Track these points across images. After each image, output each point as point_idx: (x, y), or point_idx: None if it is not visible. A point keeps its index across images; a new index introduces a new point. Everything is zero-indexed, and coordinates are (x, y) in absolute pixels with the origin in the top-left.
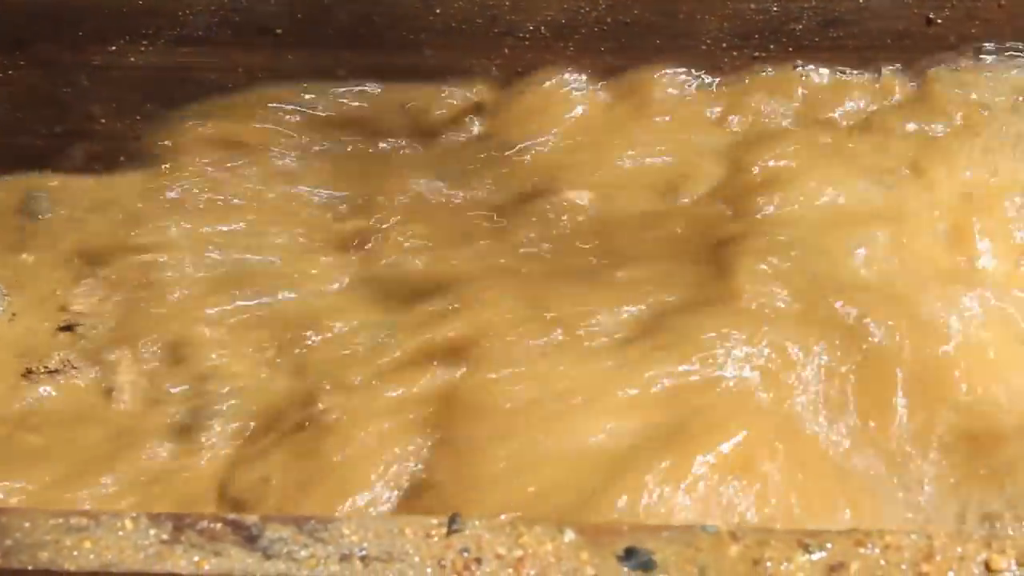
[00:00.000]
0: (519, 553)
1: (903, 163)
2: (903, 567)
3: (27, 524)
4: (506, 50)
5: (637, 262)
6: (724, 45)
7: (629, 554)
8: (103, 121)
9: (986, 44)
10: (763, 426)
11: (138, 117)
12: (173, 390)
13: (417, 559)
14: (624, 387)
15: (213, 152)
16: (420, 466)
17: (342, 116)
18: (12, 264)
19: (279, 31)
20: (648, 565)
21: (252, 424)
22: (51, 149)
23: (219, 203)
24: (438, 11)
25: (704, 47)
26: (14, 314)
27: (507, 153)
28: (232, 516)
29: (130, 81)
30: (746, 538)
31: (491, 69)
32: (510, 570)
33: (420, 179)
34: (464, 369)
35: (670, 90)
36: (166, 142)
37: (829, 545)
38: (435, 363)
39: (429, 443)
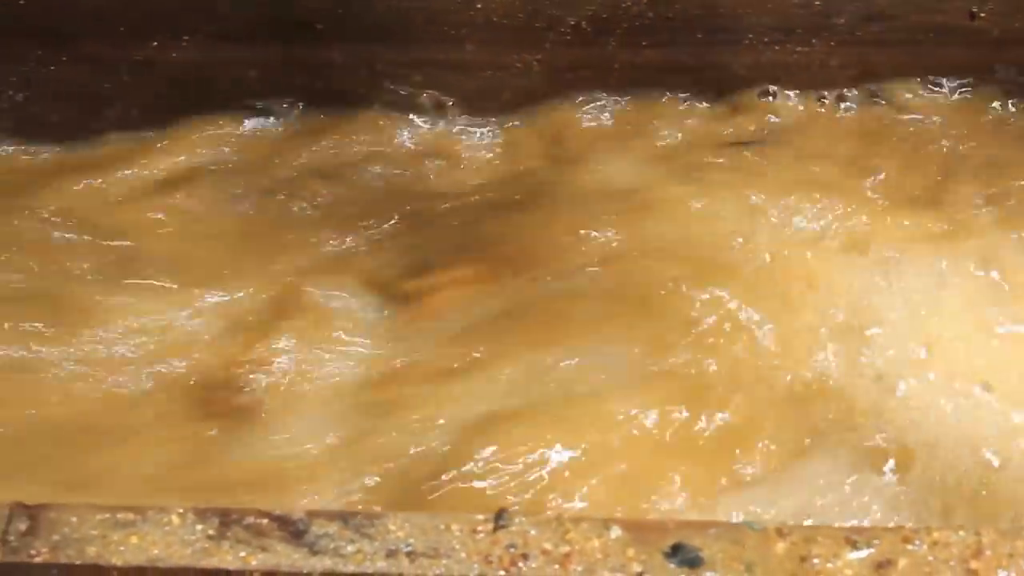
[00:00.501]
0: (565, 549)
1: None
2: (951, 564)
3: (74, 519)
4: (547, 45)
5: None
6: (766, 40)
7: (676, 550)
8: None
9: None
10: None
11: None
12: None
13: (463, 555)
14: None
15: None
16: None
17: None
18: None
19: (319, 26)
20: (695, 562)
21: None
22: None
23: None
24: (479, 6)
25: (746, 42)
26: None
27: None
28: (278, 512)
29: (171, 77)
30: (793, 535)
31: (533, 65)
32: (557, 566)
33: None
34: None
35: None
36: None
37: (876, 542)
38: None
39: None
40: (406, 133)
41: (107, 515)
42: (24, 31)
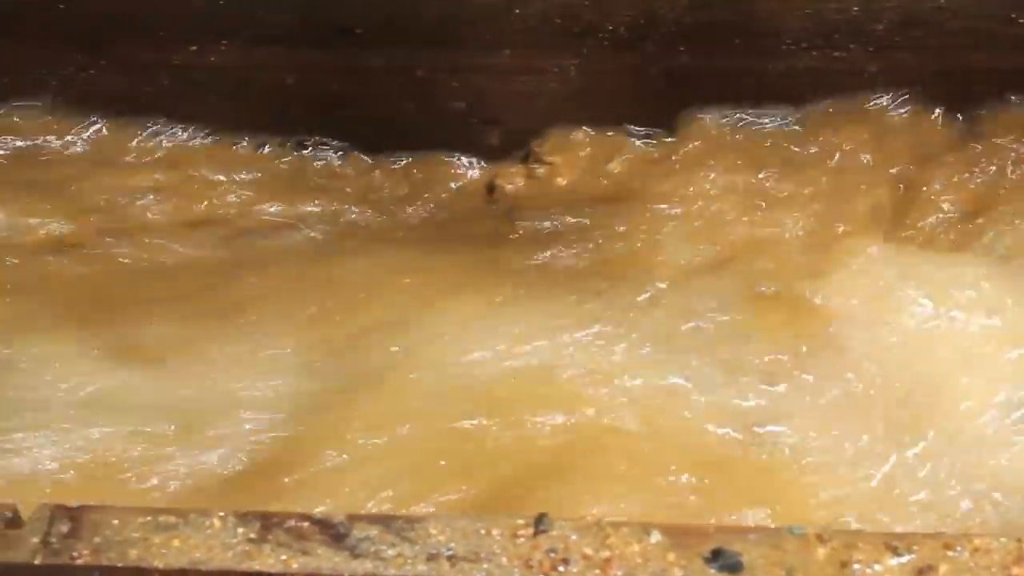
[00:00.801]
0: (606, 554)
1: None
2: (992, 570)
3: (116, 522)
4: (584, 50)
5: None
6: (804, 45)
7: (716, 555)
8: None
9: None
10: None
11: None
12: None
13: (504, 560)
14: None
15: None
16: None
17: None
18: None
19: (358, 31)
20: (736, 567)
21: None
22: None
23: None
24: (518, 11)
25: (784, 47)
26: None
27: None
28: (319, 515)
29: (210, 80)
30: (833, 540)
31: (570, 70)
32: (597, 571)
33: None
34: None
35: None
36: None
37: (917, 548)
38: None
39: None
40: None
41: (148, 518)
42: (63, 35)
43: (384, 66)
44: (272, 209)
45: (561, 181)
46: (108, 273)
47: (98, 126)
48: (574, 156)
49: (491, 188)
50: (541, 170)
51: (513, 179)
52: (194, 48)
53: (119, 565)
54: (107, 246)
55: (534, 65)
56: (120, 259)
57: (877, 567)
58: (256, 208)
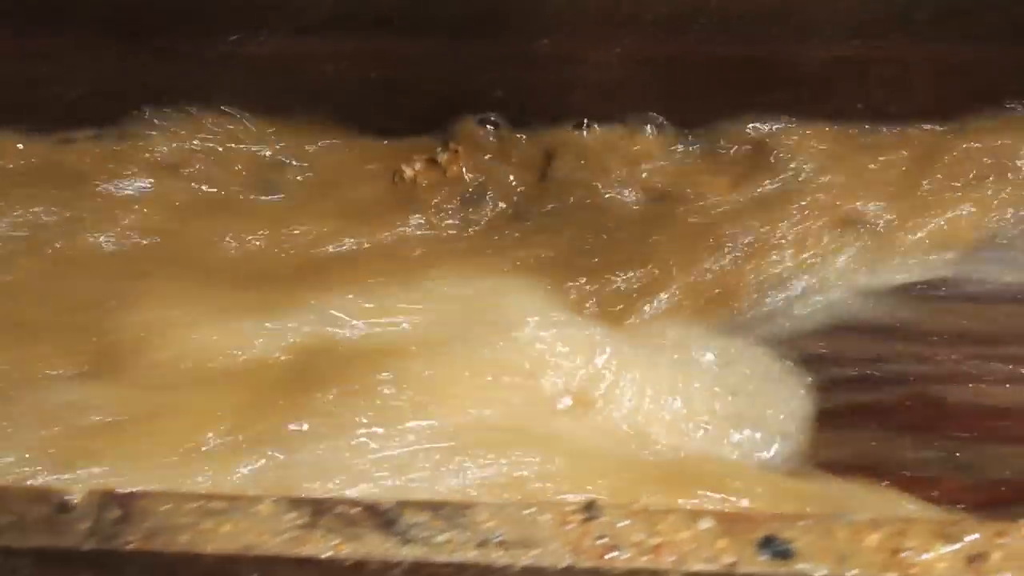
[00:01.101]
0: (656, 541)
1: None
2: None
3: (166, 508)
4: (626, 40)
5: None
6: (844, 35)
7: (767, 542)
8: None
9: None
10: None
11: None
12: None
13: (554, 545)
14: None
15: None
16: None
17: None
18: None
19: (397, 21)
20: (786, 554)
21: None
22: None
23: None
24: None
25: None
26: None
27: None
28: (370, 501)
29: (250, 72)
30: (885, 527)
31: (611, 60)
32: (647, 557)
33: None
34: None
35: None
36: None
37: (969, 535)
38: None
39: None
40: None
41: (199, 503)
42: (100, 25)
43: (423, 54)
44: None
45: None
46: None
47: (137, 116)
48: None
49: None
50: (444, 156)
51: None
52: (234, 39)
53: (169, 551)
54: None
55: (574, 56)
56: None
57: (929, 555)
58: None
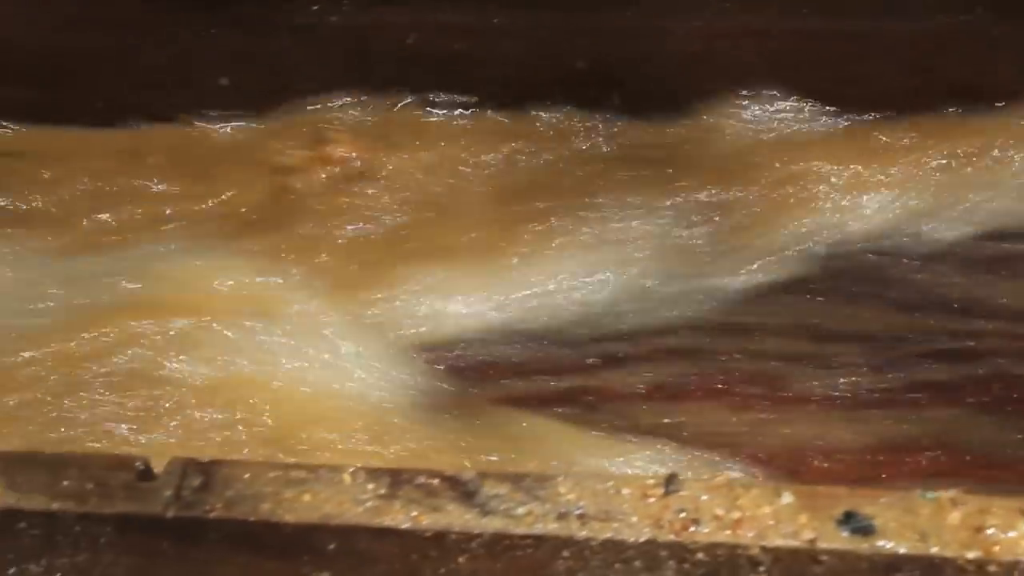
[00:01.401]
0: (737, 515)
1: None
2: None
3: (248, 476)
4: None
5: None
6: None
7: (848, 518)
8: None
9: None
10: None
11: None
12: None
13: (634, 519)
14: None
15: None
16: None
17: None
18: None
19: None
20: (868, 530)
21: None
22: None
23: None
24: None
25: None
26: None
27: None
28: (450, 472)
29: (333, 41)
30: (968, 505)
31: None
32: (728, 532)
33: None
34: None
35: None
36: None
37: None
38: None
39: None
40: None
41: (280, 472)
42: None
43: (508, 25)
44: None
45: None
46: None
47: (221, 85)
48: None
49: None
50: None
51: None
52: (316, 7)
53: (250, 519)
54: None
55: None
56: None
57: (1012, 533)
58: None
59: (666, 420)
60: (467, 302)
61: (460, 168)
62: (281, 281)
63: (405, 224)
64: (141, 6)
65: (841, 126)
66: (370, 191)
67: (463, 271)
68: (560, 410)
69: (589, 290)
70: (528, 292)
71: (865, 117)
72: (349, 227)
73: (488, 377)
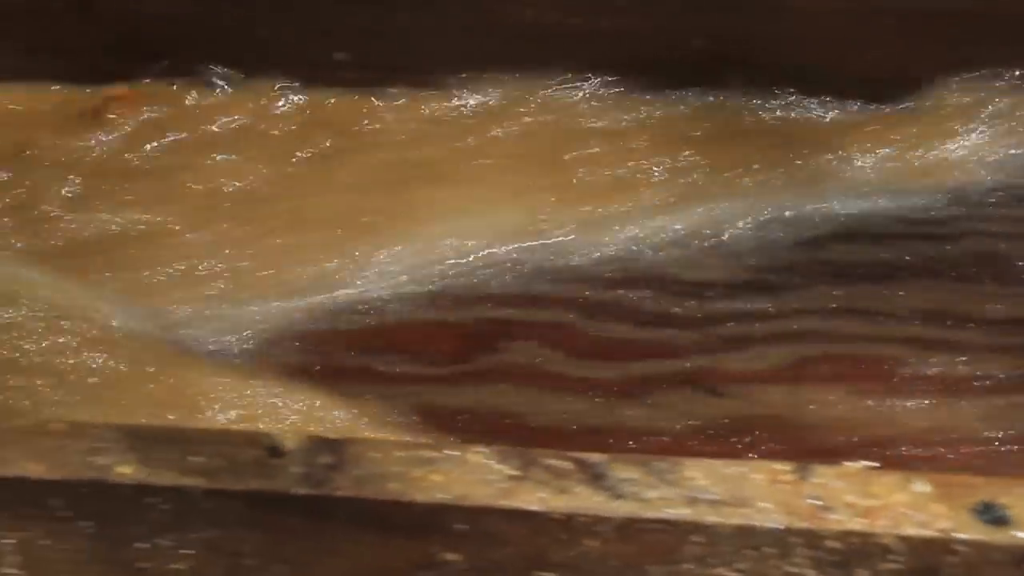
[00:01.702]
0: (870, 503)
1: None
2: None
3: (376, 455)
4: None
5: None
6: None
7: (985, 509)
8: None
9: None
10: None
11: None
12: None
13: (766, 505)
14: None
15: None
16: None
17: None
18: None
19: None
20: (1004, 520)
21: None
22: None
23: None
24: None
25: None
26: None
27: None
28: (579, 455)
29: (452, 16)
30: None
31: None
32: (861, 520)
33: None
34: None
35: None
36: None
37: None
38: None
39: None
40: None
41: (409, 452)
42: None
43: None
44: None
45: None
46: None
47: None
48: None
49: None
50: None
51: None
52: None
53: (379, 498)
54: None
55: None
56: None
57: None
58: None
59: (790, 403)
60: None
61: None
62: None
63: None
64: None
65: None
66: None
67: None
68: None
69: None
70: None
71: None
72: None
73: None
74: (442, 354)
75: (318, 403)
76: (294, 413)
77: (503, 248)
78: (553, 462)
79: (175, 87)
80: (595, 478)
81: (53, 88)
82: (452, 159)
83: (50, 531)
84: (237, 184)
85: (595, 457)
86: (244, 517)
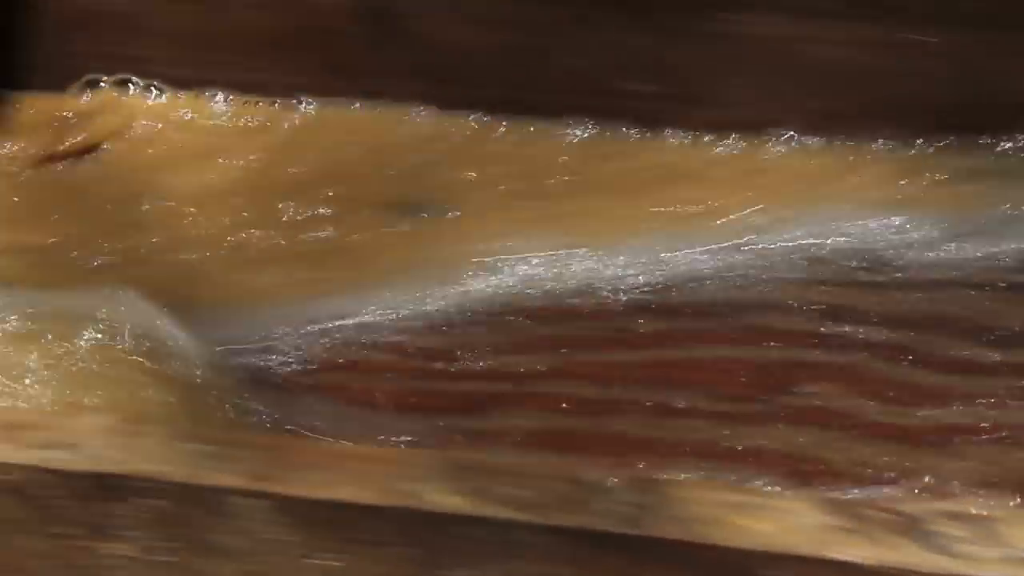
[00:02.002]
0: None
1: None
2: None
3: (695, 496)
4: None
5: None
6: None
7: None
8: None
9: None
10: None
11: None
12: None
13: None
14: None
15: None
16: None
17: None
18: None
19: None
20: None
21: None
22: None
23: None
24: None
25: None
26: None
27: None
28: (908, 511)
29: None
30: None
31: None
32: None
33: None
34: None
35: None
36: None
37: None
38: None
39: None
40: None
41: (730, 495)
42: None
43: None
44: None
45: None
46: None
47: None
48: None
49: None
50: None
51: None
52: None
53: (697, 542)
54: None
55: None
56: None
57: None
58: None
59: None
60: None
61: None
62: None
63: None
64: (553, 10)
65: None
66: None
67: None
68: None
69: None
70: None
71: None
72: None
73: None
74: None
75: None
76: None
77: None
78: (878, 515)
79: None
80: (920, 535)
81: None
82: None
83: (375, 557)
84: None
85: (925, 514)
86: (558, 552)
